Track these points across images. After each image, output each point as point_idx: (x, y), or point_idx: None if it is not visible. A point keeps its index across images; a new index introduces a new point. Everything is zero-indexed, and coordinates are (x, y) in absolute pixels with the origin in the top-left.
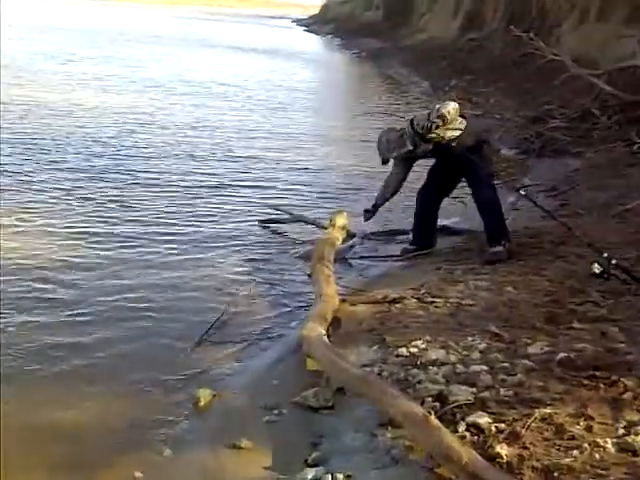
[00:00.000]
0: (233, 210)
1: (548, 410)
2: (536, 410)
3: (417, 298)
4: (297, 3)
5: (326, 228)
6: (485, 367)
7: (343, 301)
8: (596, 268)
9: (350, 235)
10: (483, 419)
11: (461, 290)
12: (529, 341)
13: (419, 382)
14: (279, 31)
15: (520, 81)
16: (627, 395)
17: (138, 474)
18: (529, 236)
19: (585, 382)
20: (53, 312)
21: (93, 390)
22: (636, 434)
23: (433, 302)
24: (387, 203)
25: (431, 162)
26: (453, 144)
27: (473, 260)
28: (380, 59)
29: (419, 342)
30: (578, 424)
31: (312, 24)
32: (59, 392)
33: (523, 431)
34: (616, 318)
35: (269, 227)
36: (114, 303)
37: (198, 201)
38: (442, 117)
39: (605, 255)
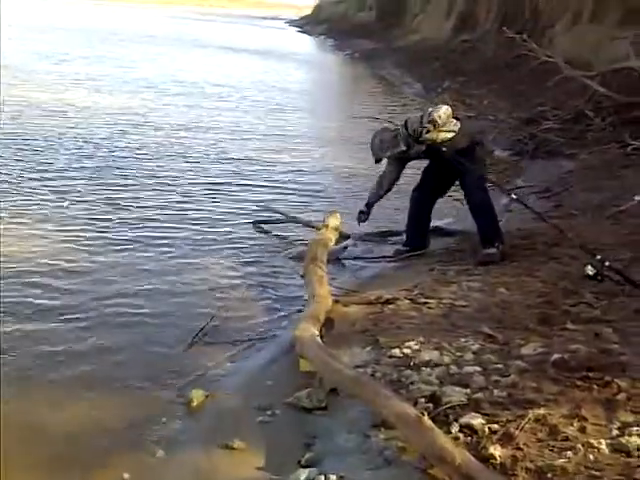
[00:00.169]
0: (226, 211)
1: (542, 411)
2: (530, 411)
3: (410, 299)
4: (290, 4)
5: (319, 229)
6: (478, 368)
7: (336, 302)
8: (589, 270)
9: (343, 236)
10: (476, 420)
11: (454, 291)
12: (522, 342)
13: (412, 383)
14: (272, 32)
15: (513, 82)
16: (621, 396)
17: (128, 475)
18: (522, 237)
19: (579, 383)
20: (45, 314)
21: (85, 391)
22: (630, 435)
23: (426, 303)
24: (381, 202)
25: (425, 163)
26: (444, 148)
27: (466, 261)
28: (373, 60)
29: (412, 343)
30: (572, 425)
31: (305, 25)
32: (51, 393)
33: (517, 432)
34: (610, 319)
35: (262, 228)
36: (106, 305)
37: (191, 202)
38: (433, 122)
39: (598, 257)
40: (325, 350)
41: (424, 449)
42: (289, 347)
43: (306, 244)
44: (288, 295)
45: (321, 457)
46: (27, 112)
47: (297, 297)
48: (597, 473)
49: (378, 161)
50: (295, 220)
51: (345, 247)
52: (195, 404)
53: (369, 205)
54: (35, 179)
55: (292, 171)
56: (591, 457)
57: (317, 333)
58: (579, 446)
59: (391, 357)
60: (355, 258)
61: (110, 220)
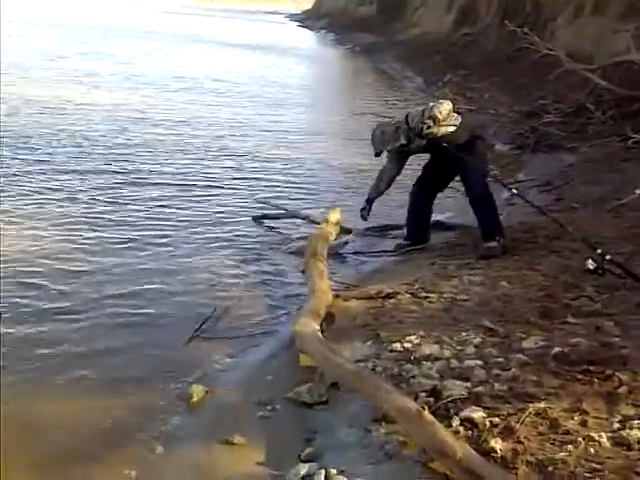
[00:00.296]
0: (226, 206)
1: (542, 405)
2: (530, 405)
3: (411, 293)
4: None
5: (320, 224)
6: (479, 362)
7: (337, 296)
8: (590, 264)
9: (344, 231)
10: (477, 414)
11: (455, 285)
12: (523, 336)
13: (413, 377)
14: (272, 26)
15: (514, 76)
16: (622, 389)
17: (128, 471)
18: (523, 231)
19: (580, 376)
20: (42, 307)
21: (84, 386)
22: (631, 428)
23: (427, 297)
24: (382, 197)
25: (426, 157)
26: (444, 144)
27: (467, 255)
28: (374, 54)
29: (413, 337)
30: (573, 418)
31: (305, 19)
32: (50, 389)
33: (517, 426)
34: (611, 312)
35: (263, 223)
36: (105, 301)
37: (191, 197)
38: (433, 118)
39: (599, 251)
40: (325, 345)
41: (425, 443)
42: (289, 342)
43: (306, 239)
44: (288, 290)
45: (321, 452)
46: (25, 109)
47: (297, 292)
48: (598, 466)
49: (378, 154)
50: (295, 215)
51: (346, 242)
52: (195, 400)
53: (369, 201)
54: (32, 177)
55: (293, 166)
56: (592, 450)
57: (318, 328)
58: (580, 439)
59: (392, 351)
60: (356, 252)
61: (109, 216)
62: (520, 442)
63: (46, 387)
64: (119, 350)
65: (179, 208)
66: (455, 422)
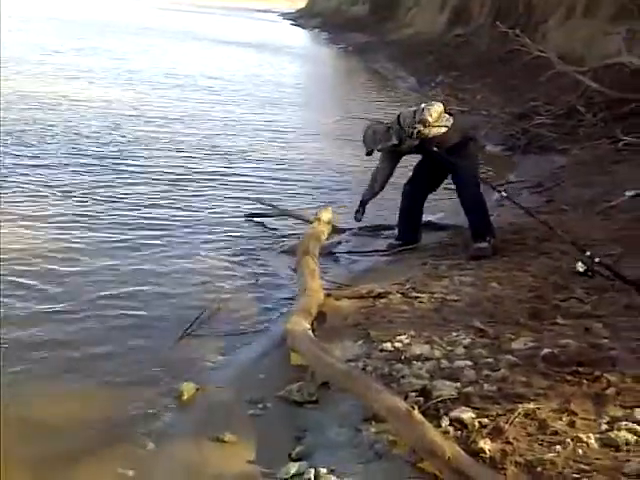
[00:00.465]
0: (219, 205)
1: (531, 405)
2: (519, 405)
3: (402, 293)
4: None
5: (312, 222)
6: (469, 362)
7: (328, 295)
8: (580, 267)
9: (336, 230)
10: (467, 414)
11: (446, 285)
12: (513, 337)
13: (403, 377)
14: (265, 24)
15: (506, 77)
16: (610, 390)
17: (120, 468)
18: (514, 232)
19: (568, 378)
20: (35, 306)
21: (76, 384)
22: (619, 429)
23: (418, 297)
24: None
25: (418, 157)
26: (435, 148)
27: (458, 256)
28: (366, 53)
29: (403, 337)
30: (561, 419)
31: (299, 18)
32: (40, 386)
33: (506, 426)
34: (600, 314)
35: (255, 221)
36: (97, 298)
37: (184, 195)
38: (423, 122)
39: (588, 253)
40: (316, 344)
41: (414, 443)
42: (281, 340)
43: (299, 238)
44: (280, 288)
45: (312, 450)
46: (19, 104)
47: (289, 290)
48: (586, 467)
49: (370, 153)
50: (288, 213)
51: (339, 242)
52: (186, 397)
53: (363, 203)
54: (24, 174)
55: (285, 165)
56: (580, 451)
57: (309, 327)
58: (568, 440)
59: (382, 351)
60: (348, 252)
61: (100, 215)
62: (509, 443)
63: (39, 386)
64: (111, 348)
65: (171, 206)
66: (444, 422)
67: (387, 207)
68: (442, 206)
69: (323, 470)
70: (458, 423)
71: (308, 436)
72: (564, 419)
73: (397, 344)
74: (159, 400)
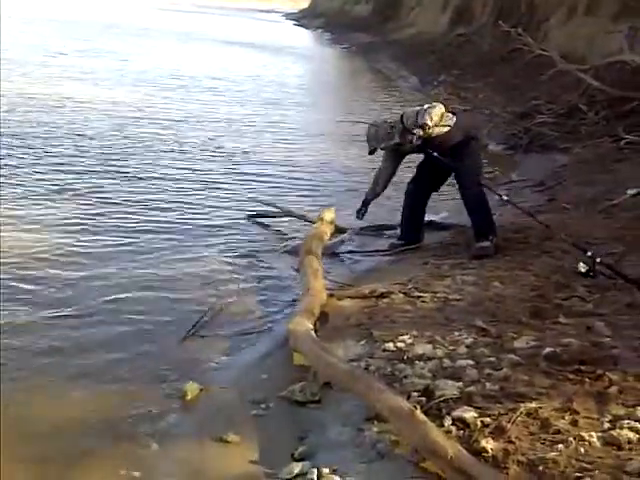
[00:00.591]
0: (222, 205)
1: (534, 404)
2: (522, 404)
3: (404, 293)
4: None
5: (315, 223)
6: (471, 362)
7: (331, 295)
8: (581, 267)
9: (339, 230)
10: (469, 413)
11: (448, 285)
12: (515, 336)
13: (405, 377)
14: (268, 25)
15: (508, 76)
16: (612, 389)
17: (123, 469)
18: (516, 231)
19: (571, 376)
20: (38, 306)
21: (79, 384)
22: (621, 428)
23: (420, 297)
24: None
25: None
26: (434, 154)
27: (460, 255)
28: (369, 53)
29: (406, 337)
30: (563, 418)
31: (301, 18)
32: (44, 386)
33: (509, 425)
34: (602, 312)
35: (258, 221)
36: (101, 298)
37: (187, 196)
38: (423, 127)
39: (589, 254)
40: (319, 344)
41: (417, 442)
42: (283, 341)
43: (301, 238)
44: (283, 289)
45: (314, 450)
46: (22, 106)
47: (292, 291)
48: (588, 466)
49: (372, 152)
50: (290, 214)
51: (342, 241)
52: (189, 397)
53: (366, 202)
54: (28, 176)
55: (288, 166)
56: (582, 450)
57: (311, 327)
58: (570, 439)
59: (385, 351)
60: (350, 252)
61: (104, 216)
62: (511, 442)
63: (42, 386)
64: (114, 349)
65: (175, 207)
66: (447, 422)
67: (389, 207)
68: (445, 206)
69: (326, 470)
70: (460, 422)
71: (311, 436)
72: (566, 418)
73: (399, 344)
74: (163, 400)
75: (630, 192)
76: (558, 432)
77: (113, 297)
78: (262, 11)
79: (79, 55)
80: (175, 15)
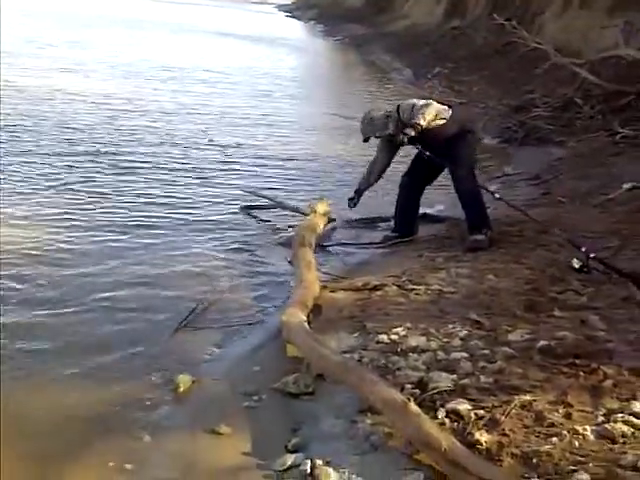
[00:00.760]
0: (214, 197)
1: (528, 397)
2: (516, 397)
3: (398, 285)
4: None
5: (308, 215)
6: (465, 354)
7: (324, 288)
8: (575, 263)
9: (332, 222)
10: (463, 406)
11: (442, 277)
12: (509, 329)
13: (399, 369)
14: (261, 16)
15: (503, 69)
16: (607, 383)
17: (115, 461)
18: (510, 224)
19: (565, 370)
20: (28, 302)
21: (70, 376)
22: (615, 421)
23: (414, 289)
24: (369, 191)
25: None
26: (427, 153)
27: (455, 248)
28: (363, 45)
29: (400, 329)
30: (558, 411)
31: (294, 10)
32: (37, 381)
33: (503, 418)
34: (596, 306)
35: (250, 213)
36: (92, 292)
37: (179, 188)
38: (415, 127)
39: (583, 249)
40: (312, 336)
41: (410, 434)
42: (276, 333)
43: (294, 230)
44: (276, 281)
45: (307, 442)
46: (12, 97)
47: (285, 283)
48: (582, 459)
49: (366, 140)
50: (283, 206)
51: (334, 228)
52: (182, 389)
53: (359, 192)
54: (17, 169)
55: (282, 158)
56: (576, 443)
57: (304, 319)
58: (564, 432)
59: (378, 343)
60: (343, 244)
61: (94, 208)
62: (505, 434)
63: (34, 380)
64: (106, 341)
65: (167, 199)
66: (441, 414)
67: (383, 199)
68: (440, 199)
69: (319, 461)
70: (454, 415)
71: (304, 428)
72: (560, 411)
73: (393, 336)
74: (155, 392)
75: (625, 186)
76: (552, 425)
77: (105, 291)
78: (254, 2)
79: (70, 47)
80: (167, 7)
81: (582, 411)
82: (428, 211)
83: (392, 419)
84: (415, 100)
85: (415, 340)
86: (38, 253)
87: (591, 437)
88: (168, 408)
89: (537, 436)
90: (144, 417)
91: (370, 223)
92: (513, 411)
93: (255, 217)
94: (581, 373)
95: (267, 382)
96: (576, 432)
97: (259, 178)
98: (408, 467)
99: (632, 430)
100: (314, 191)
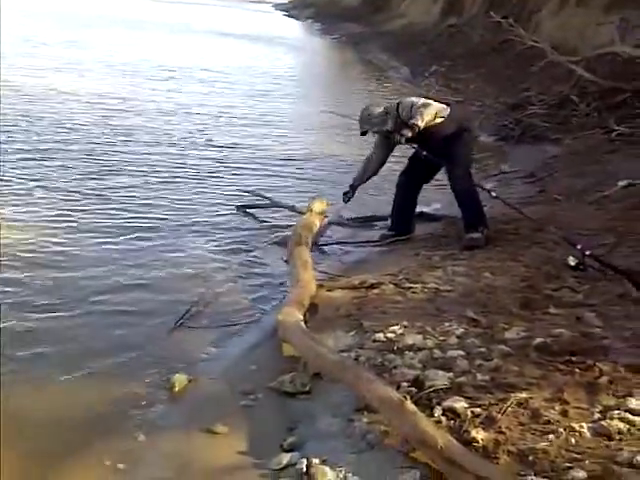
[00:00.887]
0: (211, 196)
1: (524, 395)
2: (512, 395)
3: (395, 284)
4: None
5: (304, 213)
6: (462, 352)
7: (320, 286)
8: (571, 260)
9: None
10: (459, 404)
11: (439, 276)
12: (506, 326)
13: (396, 367)
14: (258, 15)
15: (500, 67)
16: (603, 379)
17: (110, 460)
18: (506, 222)
19: (561, 367)
20: (24, 303)
21: (67, 377)
22: (611, 418)
23: (411, 288)
24: (368, 187)
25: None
26: (424, 153)
27: (452, 246)
28: (360, 44)
29: (396, 327)
30: (554, 409)
31: (292, 9)
32: (33, 379)
33: (499, 416)
34: (592, 303)
35: (247, 212)
36: (88, 292)
37: (176, 187)
38: (413, 127)
39: (579, 247)
40: (308, 334)
41: (407, 433)
42: (273, 332)
43: (291, 229)
44: (272, 280)
45: (304, 441)
46: (8, 97)
47: (281, 282)
48: (578, 456)
49: (364, 133)
50: (280, 205)
51: (329, 223)
52: (177, 389)
53: (353, 187)
54: (10, 168)
55: (279, 157)
56: (572, 440)
57: (301, 318)
58: (561, 430)
59: (375, 341)
60: (340, 243)
61: (90, 208)
62: (501, 432)
63: (29, 379)
64: (102, 341)
65: (163, 199)
66: (437, 412)
67: (380, 198)
68: (437, 197)
69: (315, 460)
70: (451, 413)
71: (300, 427)
72: (557, 408)
73: (390, 334)
74: (151, 392)
75: (621, 183)
76: (548, 422)
77: (99, 289)
78: (252, 2)
79: (66, 46)
80: (166, 6)
81: (578, 408)
82: (425, 209)
83: (388, 417)
84: (415, 99)
85: (412, 338)
86: (33, 255)
87: (587, 434)
88: (163, 407)
89: (533, 433)
90: (139, 416)
91: (366, 222)
92: (509, 409)
93: (252, 216)
94: (577, 370)
95: (263, 381)
96: (572, 429)
97: (256, 177)
98: (404, 465)
99: (628, 427)
100: (311, 190)
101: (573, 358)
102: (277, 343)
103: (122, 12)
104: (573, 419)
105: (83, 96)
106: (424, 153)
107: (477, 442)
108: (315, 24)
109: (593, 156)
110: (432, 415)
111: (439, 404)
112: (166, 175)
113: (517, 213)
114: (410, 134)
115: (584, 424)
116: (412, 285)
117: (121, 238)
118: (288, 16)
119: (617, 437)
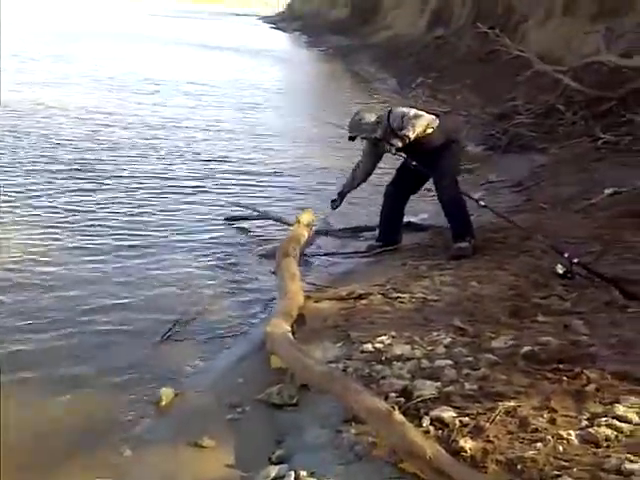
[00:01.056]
0: (199, 209)
1: (512, 403)
2: (500, 404)
3: (382, 294)
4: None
5: (292, 225)
6: (450, 362)
7: (308, 298)
8: (559, 268)
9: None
10: (447, 413)
11: (426, 285)
12: (493, 335)
13: (383, 377)
14: (245, 28)
15: (486, 78)
16: (590, 387)
17: (96, 475)
18: (494, 231)
19: (549, 375)
20: (10, 315)
21: (52, 389)
22: (599, 426)
23: (398, 298)
24: (354, 198)
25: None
26: (413, 163)
27: (439, 256)
28: (347, 56)
29: (384, 338)
30: (542, 417)
31: (279, 21)
32: (19, 394)
33: (487, 425)
34: (580, 311)
35: (235, 224)
36: (74, 305)
37: (163, 200)
38: (403, 138)
39: (566, 255)
40: (296, 346)
41: (395, 443)
42: (260, 344)
43: (278, 241)
44: (260, 292)
45: (292, 453)
46: None
47: (269, 294)
48: (566, 464)
49: (352, 139)
50: (267, 216)
51: (316, 232)
52: (164, 403)
53: (341, 194)
54: None
55: (266, 169)
56: (560, 448)
57: (288, 329)
58: (549, 437)
59: (363, 352)
60: (327, 254)
61: (77, 223)
62: (490, 441)
63: (14, 391)
64: (88, 354)
65: (150, 212)
66: (425, 422)
67: (368, 209)
68: (424, 207)
69: (303, 473)
70: (439, 422)
71: (288, 439)
72: (545, 416)
73: (378, 345)
74: (137, 406)
75: (607, 191)
76: (536, 431)
77: (86, 302)
78: (239, 15)
79: (54, 61)
80: (152, 20)
81: (566, 416)
82: (412, 219)
83: (376, 428)
84: (406, 109)
85: (399, 348)
86: (18, 275)
87: (575, 442)
88: (150, 421)
89: (521, 442)
90: (125, 431)
91: (354, 232)
92: (497, 418)
93: (239, 228)
94: (565, 378)
95: (251, 394)
96: (560, 437)
97: (243, 189)
98: (393, 476)
99: (615, 434)
100: (299, 202)
101: (561, 366)
102: (264, 355)
103: (114, 26)
104: (561, 427)
105: (71, 111)
106: (413, 163)
107: (465, 451)
108: (302, 36)
109: (580, 164)
110: (420, 425)
111: (427, 414)
112: (153, 188)
113: (505, 222)
114: (400, 144)
115: (572, 432)
116: (400, 295)
117: (107, 256)
118: (275, 29)
119: (605, 444)
